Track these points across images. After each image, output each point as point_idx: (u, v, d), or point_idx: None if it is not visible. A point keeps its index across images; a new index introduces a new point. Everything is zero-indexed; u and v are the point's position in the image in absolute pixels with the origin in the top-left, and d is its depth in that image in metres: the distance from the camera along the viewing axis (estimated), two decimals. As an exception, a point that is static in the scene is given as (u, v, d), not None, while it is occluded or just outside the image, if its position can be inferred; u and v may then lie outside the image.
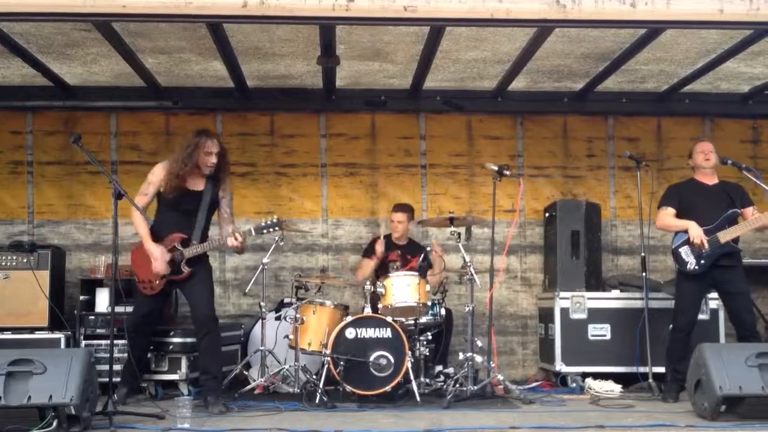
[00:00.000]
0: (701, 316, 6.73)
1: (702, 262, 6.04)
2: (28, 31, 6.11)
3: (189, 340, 6.30)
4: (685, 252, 6.11)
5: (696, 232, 6.04)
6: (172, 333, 6.41)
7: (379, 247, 7.03)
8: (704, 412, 5.17)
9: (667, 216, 6.26)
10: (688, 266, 6.08)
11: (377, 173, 8.00)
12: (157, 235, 5.68)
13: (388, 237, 7.39)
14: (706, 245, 6.00)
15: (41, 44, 6.41)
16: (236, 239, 5.70)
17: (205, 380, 5.71)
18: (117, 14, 5.17)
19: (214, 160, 5.74)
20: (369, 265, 7.21)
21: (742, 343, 5.94)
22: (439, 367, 6.65)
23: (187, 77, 7.31)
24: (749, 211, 6.17)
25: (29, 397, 4.64)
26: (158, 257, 5.63)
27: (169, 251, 5.67)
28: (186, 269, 5.66)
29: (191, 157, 5.69)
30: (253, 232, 5.80)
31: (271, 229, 5.77)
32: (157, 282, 5.70)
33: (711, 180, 6.31)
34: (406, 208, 7.34)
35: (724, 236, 6.04)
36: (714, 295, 6.66)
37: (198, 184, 5.77)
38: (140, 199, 5.70)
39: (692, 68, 7.03)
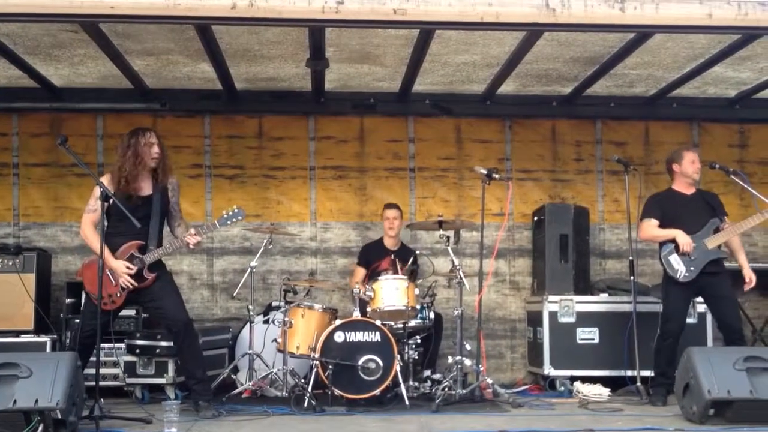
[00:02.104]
0: (689, 320, 6.77)
1: (692, 269, 6.08)
2: (14, 32, 6.06)
3: (176, 344, 6.26)
4: (675, 260, 6.14)
5: (684, 240, 6.08)
6: (158, 336, 6.37)
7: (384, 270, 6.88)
8: (693, 416, 5.18)
9: (651, 227, 6.29)
10: (679, 274, 6.11)
11: (366, 176, 7.99)
12: (111, 247, 5.43)
13: (379, 242, 7.38)
14: (694, 252, 6.05)
15: (28, 45, 6.36)
16: (198, 234, 5.56)
17: (194, 384, 5.65)
18: (104, 15, 5.13)
19: (156, 149, 5.59)
20: (362, 274, 7.24)
21: (731, 347, 5.95)
22: (427, 372, 6.63)
23: (175, 79, 7.28)
24: (724, 220, 6.25)
25: (15, 401, 4.59)
26: (123, 271, 5.44)
27: (128, 260, 5.49)
28: (149, 275, 5.52)
29: (136, 154, 5.53)
30: (217, 225, 5.70)
31: (234, 220, 5.70)
32: (119, 294, 5.50)
33: (690, 190, 6.35)
34: (397, 206, 7.40)
35: (711, 243, 6.10)
36: (702, 299, 6.68)
37: (146, 189, 5.60)
38: (89, 216, 5.51)
39: (680, 73, 7.06)
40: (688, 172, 6.29)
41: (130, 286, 5.47)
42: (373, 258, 7.27)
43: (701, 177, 6.47)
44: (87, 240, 5.57)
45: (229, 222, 5.72)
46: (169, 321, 5.61)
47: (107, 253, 5.37)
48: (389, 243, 7.34)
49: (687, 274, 6.08)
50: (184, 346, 5.61)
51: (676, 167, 6.34)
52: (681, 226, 6.14)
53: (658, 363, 6.23)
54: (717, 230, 6.15)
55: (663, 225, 6.26)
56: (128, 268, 5.46)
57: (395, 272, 6.58)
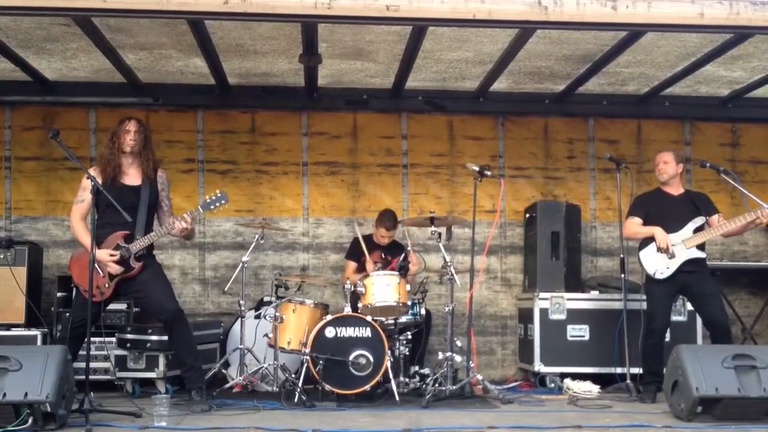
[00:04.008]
0: (679, 318, 6.81)
1: (667, 267, 6.10)
2: (7, 25, 6.05)
3: (166, 337, 6.23)
4: (651, 258, 6.18)
5: (662, 237, 6.12)
6: (149, 330, 6.37)
7: (369, 267, 6.87)
8: (681, 413, 5.20)
9: (634, 224, 6.35)
10: (653, 271, 6.14)
11: (358, 172, 8.00)
12: (98, 238, 5.40)
13: (369, 237, 7.38)
14: (671, 250, 6.07)
15: (20, 39, 6.35)
16: (185, 220, 5.53)
17: (186, 372, 5.67)
18: (97, 9, 5.13)
19: (131, 136, 5.59)
20: (353, 267, 7.23)
21: (719, 344, 5.98)
22: (415, 368, 6.64)
23: (167, 74, 7.27)
24: (715, 218, 6.25)
25: (4, 395, 4.59)
26: (106, 259, 5.44)
27: (114, 250, 5.49)
28: (136, 264, 5.52)
29: (113, 141, 5.58)
30: (200, 209, 5.67)
31: (217, 204, 5.64)
32: (107, 285, 5.51)
33: (677, 190, 6.38)
34: (394, 223, 7.18)
35: (689, 242, 6.12)
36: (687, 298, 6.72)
37: (135, 179, 5.62)
38: (78, 208, 5.55)
39: (672, 71, 7.08)
40: (656, 172, 6.36)
41: (118, 270, 5.45)
42: (362, 251, 7.26)
43: (692, 176, 6.49)
44: (75, 232, 5.60)
45: (212, 206, 5.67)
46: (158, 310, 5.62)
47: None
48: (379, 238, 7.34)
49: (662, 272, 6.12)
50: (175, 334, 5.61)
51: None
52: (663, 225, 6.17)
53: (646, 362, 6.25)
54: (698, 230, 6.18)
55: (647, 224, 6.29)
56: (111, 255, 5.45)
57: (384, 267, 6.59)
